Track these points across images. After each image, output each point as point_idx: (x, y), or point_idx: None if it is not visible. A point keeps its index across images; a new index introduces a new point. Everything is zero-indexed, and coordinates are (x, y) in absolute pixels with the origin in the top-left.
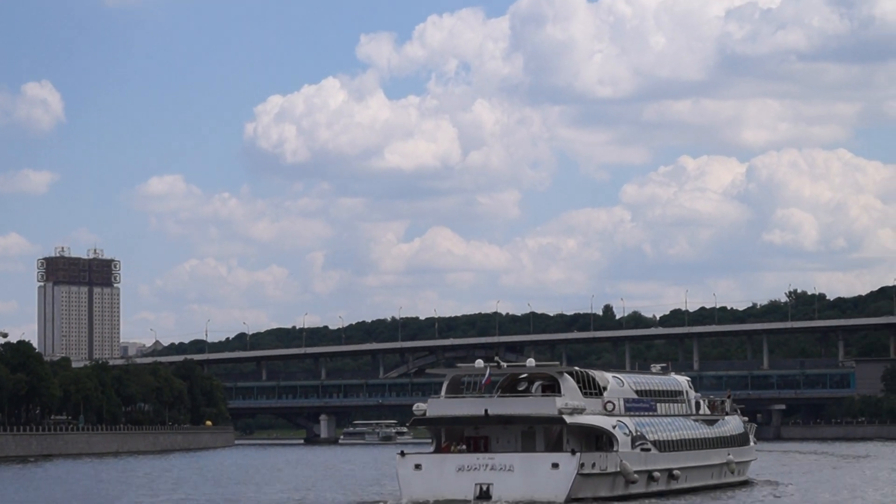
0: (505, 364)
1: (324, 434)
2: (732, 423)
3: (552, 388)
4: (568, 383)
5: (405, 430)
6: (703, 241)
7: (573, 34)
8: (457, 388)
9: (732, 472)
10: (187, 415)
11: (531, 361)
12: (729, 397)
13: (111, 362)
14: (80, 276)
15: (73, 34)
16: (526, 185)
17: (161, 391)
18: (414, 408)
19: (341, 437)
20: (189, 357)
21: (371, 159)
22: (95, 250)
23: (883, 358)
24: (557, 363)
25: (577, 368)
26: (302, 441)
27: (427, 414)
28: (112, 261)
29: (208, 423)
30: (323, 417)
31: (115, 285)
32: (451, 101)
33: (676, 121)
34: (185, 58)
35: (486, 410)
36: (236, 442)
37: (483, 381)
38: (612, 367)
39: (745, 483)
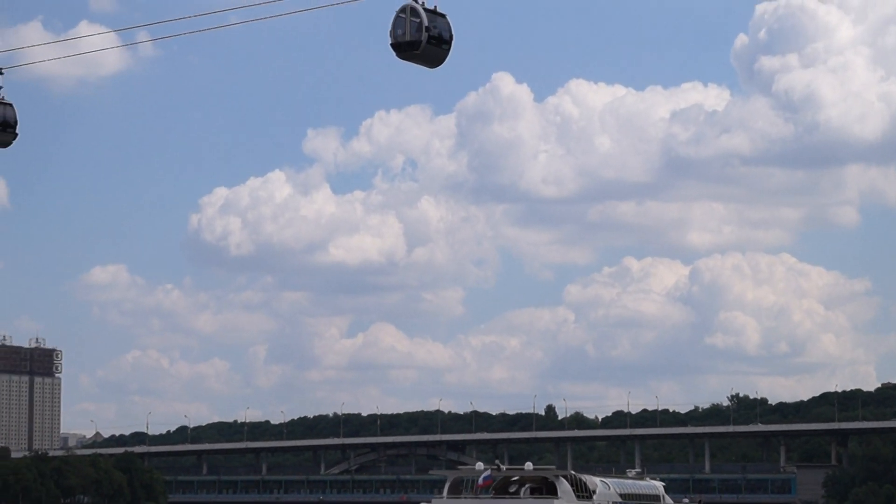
0: (504, 466)
1: None
2: None
3: (540, 490)
4: (564, 486)
5: None
6: (647, 342)
7: (519, 133)
8: (457, 490)
9: None
10: None
11: (529, 465)
12: (700, 502)
13: (51, 453)
14: (21, 366)
15: (19, 121)
16: (470, 283)
17: (101, 483)
18: None
19: None
20: (129, 449)
21: (316, 253)
22: (37, 339)
23: (824, 464)
24: (554, 467)
25: (571, 472)
26: None
27: None
28: (54, 350)
29: None
30: None
31: (57, 375)
32: (397, 197)
33: (621, 222)
34: (131, 148)
35: None
36: None
37: (479, 483)
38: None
39: None
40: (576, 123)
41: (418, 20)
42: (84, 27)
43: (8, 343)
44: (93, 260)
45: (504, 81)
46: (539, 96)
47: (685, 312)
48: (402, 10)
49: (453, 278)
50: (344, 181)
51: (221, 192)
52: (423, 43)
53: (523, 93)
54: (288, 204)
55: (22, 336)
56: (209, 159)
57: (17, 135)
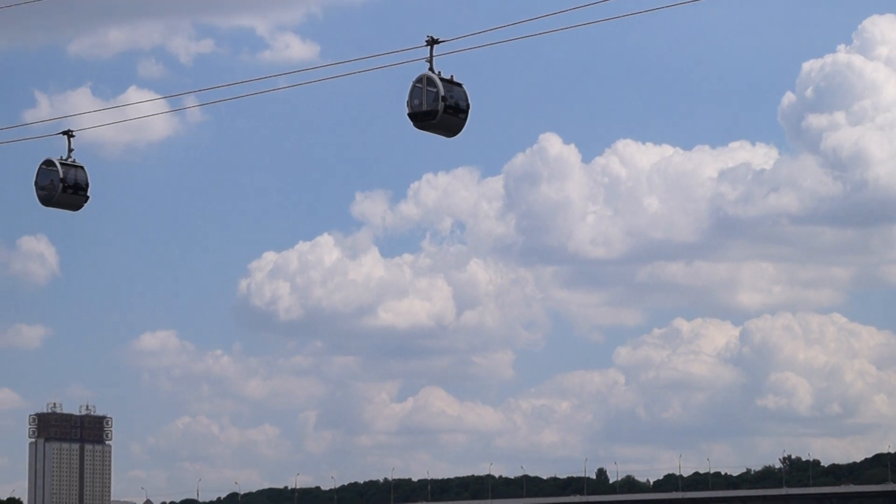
0: None
1: None
2: None
3: None
4: None
5: None
6: (698, 404)
7: (567, 194)
8: None
9: None
10: None
11: None
12: None
13: None
14: (71, 433)
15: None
16: (520, 346)
17: None
18: None
19: None
20: None
21: (365, 317)
22: (88, 406)
23: None
24: None
25: None
26: None
27: None
28: (104, 417)
29: None
30: None
31: (107, 442)
32: (446, 260)
33: (670, 283)
34: (179, 213)
35: None
36: None
37: None
38: None
39: None
40: (624, 184)
41: (435, 90)
42: (133, 93)
43: (59, 410)
44: (142, 326)
45: (551, 142)
46: (587, 157)
47: (736, 373)
48: (419, 79)
49: (503, 341)
50: (392, 244)
51: (270, 257)
52: (440, 113)
53: (571, 153)
54: (337, 268)
55: (72, 403)
56: (258, 224)
57: (88, 197)
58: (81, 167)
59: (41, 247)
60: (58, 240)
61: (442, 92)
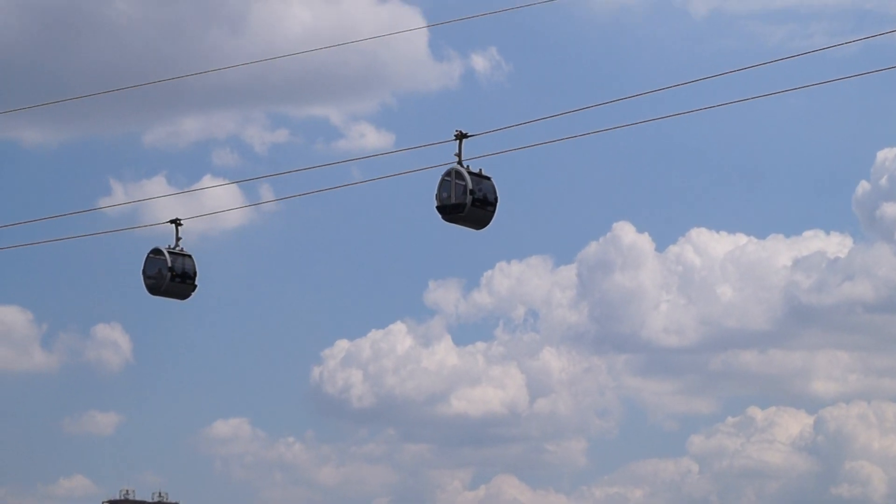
0: None
1: None
2: None
3: None
4: None
5: None
6: (771, 493)
7: (641, 282)
8: None
9: None
10: None
11: None
12: None
13: None
14: None
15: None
16: (593, 434)
17: None
18: None
19: None
20: None
21: (437, 405)
22: (160, 493)
23: None
24: None
25: None
26: None
27: None
28: None
29: None
30: None
31: None
32: (519, 348)
33: (744, 371)
34: (252, 301)
35: None
36: None
37: None
38: None
39: None
40: (697, 273)
41: (463, 183)
42: (207, 182)
43: (131, 497)
44: (215, 413)
45: (625, 231)
46: (660, 245)
47: (810, 462)
48: (448, 173)
49: (576, 429)
50: (465, 333)
51: (343, 345)
52: (468, 206)
53: (644, 242)
54: (409, 356)
55: (145, 490)
56: (331, 311)
57: (196, 286)
58: (189, 256)
59: (115, 334)
60: (131, 327)
61: (470, 185)
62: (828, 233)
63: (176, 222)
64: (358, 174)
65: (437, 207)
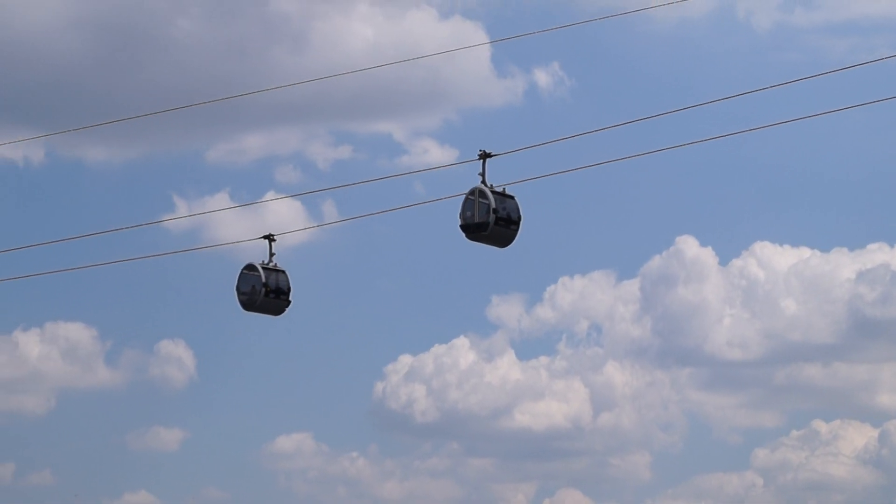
0: None
1: None
2: None
3: None
4: None
5: None
6: None
7: (704, 296)
8: None
9: None
10: None
11: None
12: None
13: None
14: None
15: (209, 293)
16: (657, 448)
17: None
18: None
19: None
20: None
21: (501, 420)
22: None
23: None
24: None
25: None
26: None
27: None
28: None
29: None
30: None
31: None
32: (582, 363)
33: (808, 384)
34: (315, 316)
35: None
36: None
37: None
38: None
39: None
40: (761, 287)
41: (487, 202)
42: (270, 198)
43: None
44: (278, 428)
45: (688, 245)
46: (723, 259)
47: (875, 475)
48: (472, 192)
49: (640, 443)
50: (528, 347)
51: (406, 360)
52: (491, 224)
53: (708, 256)
54: (472, 370)
55: None
56: (394, 327)
57: (289, 302)
58: (283, 271)
59: (179, 351)
60: (195, 343)
61: (493, 204)
62: (892, 245)
63: (269, 238)
64: (421, 189)
65: (461, 226)
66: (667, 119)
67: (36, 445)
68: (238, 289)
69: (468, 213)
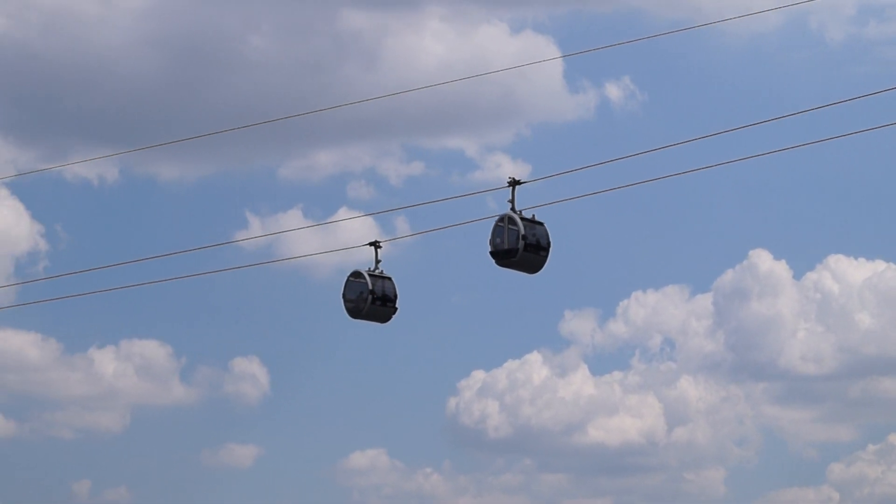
0: None
1: None
2: None
3: None
4: None
5: None
6: None
7: (778, 310)
8: None
9: None
10: None
11: None
12: None
13: None
14: None
15: (283, 310)
16: (732, 463)
17: None
18: None
19: None
20: None
21: (574, 435)
22: None
23: None
24: None
25: None
26: None
27: None
28: None
29: None
30: None
31: None
32: (656, 378)
33: (884, 398)
34: (389, 333)
35: None
36: None
37: None
38: None
39: None
40: (836, 300)
41: (516, 229)
42: (343, 214)
43: None
44: (352, 445)
45: (762, 258)
46: (798, 273)
47: None
48: (501, 219)
49: (715, 458)
50: (602, 362)
51: (479, 376)
52: (520, 251)
53: (782, 269)
54: (546, 386)
55: None
56: (467, 343)
57: (396, 309)
58: (389, 278)
59: (253, 367)
60: (269, 360)
61: (522, 231)
62: None
63: (375, 244)
64: (493, 204)
65: (490, 253)
66: (739, 132)
67: (111, 462)
68: (344, 296)
69: (498, 240)
